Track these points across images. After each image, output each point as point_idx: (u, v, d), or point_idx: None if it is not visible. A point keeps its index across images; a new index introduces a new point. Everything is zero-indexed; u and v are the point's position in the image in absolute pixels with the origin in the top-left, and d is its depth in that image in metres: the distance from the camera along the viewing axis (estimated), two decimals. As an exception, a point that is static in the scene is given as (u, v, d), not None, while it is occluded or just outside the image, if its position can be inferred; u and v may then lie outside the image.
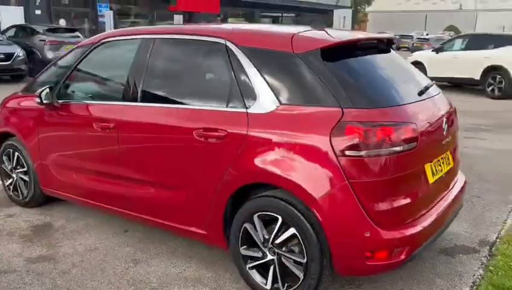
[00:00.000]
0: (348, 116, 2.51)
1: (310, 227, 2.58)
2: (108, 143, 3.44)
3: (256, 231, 2.81)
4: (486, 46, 12.58)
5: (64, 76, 3.82)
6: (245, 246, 2.90)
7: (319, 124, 2.57)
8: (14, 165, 4.32)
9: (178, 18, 22.42)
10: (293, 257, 2.70)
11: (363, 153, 2.46)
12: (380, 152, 2.48)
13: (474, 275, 3.16)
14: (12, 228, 3.94)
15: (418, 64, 14.26)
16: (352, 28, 44.60)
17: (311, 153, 2.56)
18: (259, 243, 2.82)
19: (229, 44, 2.97)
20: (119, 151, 3.38)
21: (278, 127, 2.68)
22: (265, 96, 2.75)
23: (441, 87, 3.60)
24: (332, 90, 2.59)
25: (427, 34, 40.79)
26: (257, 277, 2.88)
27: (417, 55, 15.23)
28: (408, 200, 2.62)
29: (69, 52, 4.05)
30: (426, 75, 12.03)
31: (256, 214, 2.78)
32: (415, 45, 34.06)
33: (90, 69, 3.82)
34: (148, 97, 3.31)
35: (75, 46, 4.07)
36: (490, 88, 12.17)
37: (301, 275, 2.67)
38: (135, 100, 3.33)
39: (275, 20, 33.92)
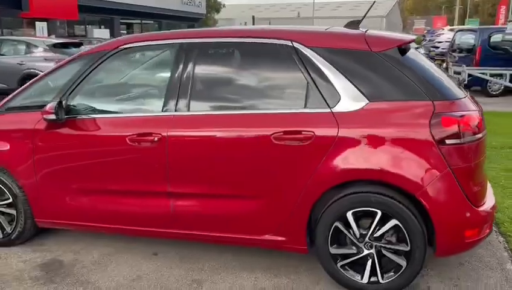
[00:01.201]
0: (439, 108, 2.70)
1: (413, 216, 2.71)
2: (151, 158, 3.12)
3: (350, 228, 2.85)
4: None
5: (69, 89, 3.33)
6: (335, 245, 2.90)
7: (415, 117, 2.72)
8: (-10, 199, 3.61)
9: (41, 26, 20.30)
10: (395, 247, 2.80)
11: (461, 140, 2.68)
12: (472, 138, 2.72)
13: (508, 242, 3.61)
14: (12, 271, 3.31)
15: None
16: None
17: (412, 146, 2.70)
18: (353, 239, 2.85)
19: (296, 45, 2.94)
20: (168, 165, 3.09)
21: (371, 123, 2.75)
22: (351, 94, 2.80)
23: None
24: (418, 85, 2.76)
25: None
26: (350, 274, 2.91)
27: None
28: (483, 181, 2.93)
29: (66, 63, 3.51)
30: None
31: (350, 212, 2.82)
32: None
33: (108, 79, 3.41)
34: (202, 105, 3.09)
35: (76, 55, 3.54)
36: None
37: (404, 263, 2.79)
38: (184, 110, 3.07)
39: (129, 26, 32.90)
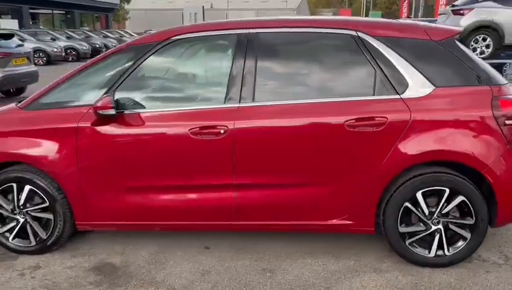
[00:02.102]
0: (495, 92, 2.97)
1: (478, 191, 2.97)
2: (215, 150, 3.07)
3: (419, 207, 3.04)
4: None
5: (118, 82, 3.16)
6: (403, 224, 3.08)
7: (478, 101, 2.96)
8: (21, 204, 3.32)
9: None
10: (461, 221, 3.04)
11: None
12: None
13: None
14: (65, 278, 3.10)
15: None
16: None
17: (477, 127, 2.94)
18: (422, 217, 3.05)
19: (361, 35, 3.06)
20: (234, 157, 3.06)
21: (439, 107, 2.96)
22: (418, 81, 2.98)
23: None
24: (475, 71, 3.01)
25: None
26: (418, 250, 3.11)
27: None
28: None
29: (108, 55, 3.30)
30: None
31: (420, 192, 3.01)
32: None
33: (159, 71, 3.26)
34: (268, 95, 3.10)
35: (119, 47, 3.33)
36: None
37: (469, 235, 3.05)
38: (249, 100, 3.06)
39: (34, 17, 30.63)
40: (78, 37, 25.84)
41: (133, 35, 35.81)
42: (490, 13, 9.83)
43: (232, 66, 3.11)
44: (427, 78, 2.99)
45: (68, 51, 22.89)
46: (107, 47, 27.69)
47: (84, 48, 24.06)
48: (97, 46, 26.31)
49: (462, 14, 10.11)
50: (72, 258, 3.37)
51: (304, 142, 3.04)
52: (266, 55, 3.13)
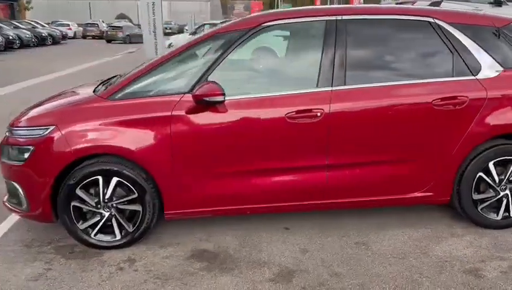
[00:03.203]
0: None
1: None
2: (311, 133, 3.21)
3: (490, 175, 3.42)
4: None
5: (210, 69, 3.16)
6: (476, 193, 3.45)
7: None
8: (107, 197, 3.20)
9: None
10: (523, 186, 3.47)
11: None
12: None
13: None
14: (171, 267, 3.07)
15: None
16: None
17: None
18: (493, 185, 3.43)
19: (438, 22, 3.35)
20: (328, 138, 3.22)
21: (509, 86, 3.34)
22: (488, 63, 3.35)
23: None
24: None
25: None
26: (488, 215, 3.49)
27: (174, 39, 15.88)
28: None
29: (195, 44, 3.27)
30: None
31: (492, 162, 3.39)
32: (109, 33, 34.24)
33: (251, 58, 3.30)
34: (358, 79, 3.27)
35: (206, 35, 3.30)
36: None
37: (534, 197, 3.49)
38: (341, 84, 3.23)
39: None
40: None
41: (44, 26, 33.59)
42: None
43: (322, 51, 3.26)
44: (496, 60, 3.36)
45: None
46: (21, 39, 25.77)
47: (-2, 40, 22.22)
48: (10, 37, 24.39)
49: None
50: (161, 248, 3.32)
51: (393, 122, 3.28)
52: (355, 41, 3.31)
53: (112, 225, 3.26)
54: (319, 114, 3.18)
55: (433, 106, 3.25)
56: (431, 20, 3.37)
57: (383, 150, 3.31)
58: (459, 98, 3.28)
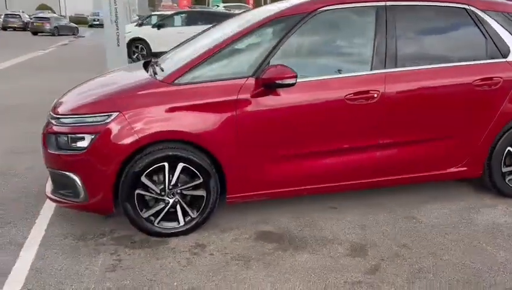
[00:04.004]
0: None
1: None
2: (367, 114, 3.37)
3: (518, 148, 3.78)
4: (197, 22, 14.40)
5: (271, 54, 3.21)
6: (504, 166, 3.79)
7: None
8: (172, 183, 3.15)
9: None
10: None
11: None
12: None
13: None
14: (244, 250, 3.09)
15: (139, 40, 14.74)
16: None
17: None
18: (520, 157, 3.79)
19: (472, 9, 3.63)
20: (381, 119, 3.39)
21: None
22: (517, 47, 3.68)
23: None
24: None
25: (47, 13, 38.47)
26: (515, 185, 3.86)
27: (137, 32, 15.24)
28: None
29: (254, 29, 3.29)
30: (151, 51, 14.32)
31: (519, 137, 3.74)
32: (35, 24, 32.28)
33: (309, 42, 3.38)
34: (407, 62, 3.46)
35: (264, 20, 3.31)
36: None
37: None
38: (393, 66, 3.41)
39: None
40: None
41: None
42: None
43: (375, 35, 3.41)
44: (522, 45, 3.70)
45: None
46: None
47: None
48: None
49: None
50: (223, 233, 3.32)
51: (439, 101, 3.52)
52: (403, 25, 3.49)
53: (174, 211, 3.21)
54: (375, 95, 3.33)
55: (474, 86, 3.52)
56: (466, 7, 3.64)
57: (428, 128, 3.54)
58: (494, 78, 3.58)
